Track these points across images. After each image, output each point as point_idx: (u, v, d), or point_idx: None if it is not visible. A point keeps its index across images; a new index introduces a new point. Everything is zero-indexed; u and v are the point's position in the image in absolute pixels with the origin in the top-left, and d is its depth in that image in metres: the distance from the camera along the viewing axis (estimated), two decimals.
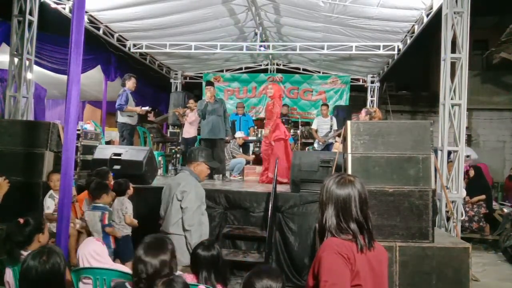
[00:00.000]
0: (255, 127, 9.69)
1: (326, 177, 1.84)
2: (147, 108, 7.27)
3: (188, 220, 3.38)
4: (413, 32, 7.66)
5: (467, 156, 9.75)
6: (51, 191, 4.43)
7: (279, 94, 7.02)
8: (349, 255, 1.60)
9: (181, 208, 3.43)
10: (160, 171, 7.61)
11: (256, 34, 9.16)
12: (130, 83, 7.02)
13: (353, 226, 1.67)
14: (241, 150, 8.57)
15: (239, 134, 8.62)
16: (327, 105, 9.46)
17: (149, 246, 2.10)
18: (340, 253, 1.59)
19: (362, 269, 1.62)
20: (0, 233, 4.06)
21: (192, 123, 8.24)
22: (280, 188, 5.55)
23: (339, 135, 7.54)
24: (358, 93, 13.06)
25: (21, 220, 2.72)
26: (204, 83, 11.63)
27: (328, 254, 1.60)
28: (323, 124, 9.01)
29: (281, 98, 7.42)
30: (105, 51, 9.30)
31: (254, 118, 9.78)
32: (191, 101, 8.73)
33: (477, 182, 7.51)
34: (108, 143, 9.27)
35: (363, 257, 1.64)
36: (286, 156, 6.72)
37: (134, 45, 9.38)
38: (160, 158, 8.04)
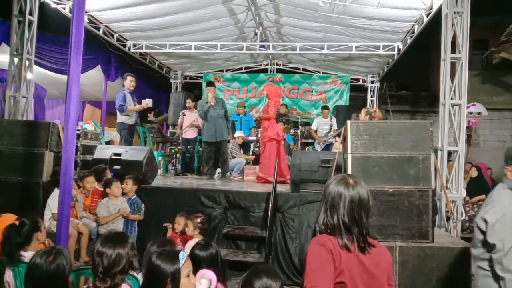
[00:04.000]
0: (256, 127, 9.67)
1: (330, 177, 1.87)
2: (146, 100, 7.11)
3: (500, 262, 2.21)
4: (413, 32, 7.66)
5: (478, 113, 9.93)
6: (57, 190, 4.38)
7: (275, 95, 6.93)
8: (333, 250, 1.62)
9: (487, 242, 2.30)
10: (160, 171, 7.61)
11: (256, 34, 9.17)
12: (127, 82, 6.97)
13: (336, 224, 1.69)
14: (241, 150, 8.57)
15: (238, 133, 8.62)
16: (328, 108, 9.50)
17: (106, 239, 2.12)
18: (324, 245, 1.64)
19: (349, 268, 1.62)
20: None
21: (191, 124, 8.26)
22: (280, 188, 5.55)
23: (339, 135, 7.54)
24: (358, 93, 13.05)
25: (17, 223, 2.75)
26: (204, 83, 11.73)
27: (312, 245, 1.67)
28: (323, 125, 9.03)
29: (279, 97, 7.32)
30: (105, 51, 9.30)
31: (254, 118, 9.78)
32: (189, 100, 8.72)
33: (478, 182, 7.52)
34: (108, 143, 9.27)
35: (352, 257, 1.64)
36: (278, 156, 6.70)
37: (134, 45, 9.38)
38: (160, 158, 8.04)
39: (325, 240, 1.66)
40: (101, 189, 5.07)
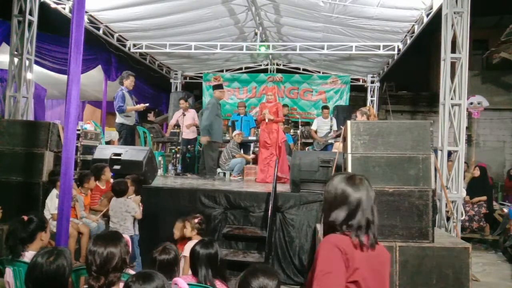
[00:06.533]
0: (256, 127, 9.66)
1: (333, 176, 1.82)
2: (147, 104, 7.19)
3: None
4: (413, 32, 7.66)
5: (479, 103, 10.00)
6: (55, 191, 4.41)
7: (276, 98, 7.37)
8: (347, 250, 1.61)
9: None
10: (160, 171, 7.61)
11: (256, 34, 9.17)
12: (128, 82, 6.87)
13: (363, 224, 1.69)
14: (241, 150, 8.56)
15: (235, 132, 8.66)
16: (328, 108, 9.51)
17: (99, 237, 2.13)
18: (337, 246, 1.61)
19: (361, 266, 1.62)
20: (0, 233, 4.09)
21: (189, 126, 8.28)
22: (280, 188, 5.56)
23: (338, 135, 7.55)
24: (358, 93, 13.06)
25: (25, 218, 2.78)
26: (204, 84, 11.74)
27: (325, 246, 1.63)
28: (323, 125, 9.05)
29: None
30: (106, 51, 9.30)
31: (254, 118, 9.84)
32: (182, 101, 8.72)
33: (481, 182, 7.51)
34: (108, 143, 9.27)
35: (363, 255, 1.65)
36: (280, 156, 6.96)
37: (134, 45, 9.38)
38: (160, 158, 8.04)
39: (338, 239, 1.64)
40: (103, 187, 5.12)
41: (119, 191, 4.50)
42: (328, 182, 1.81)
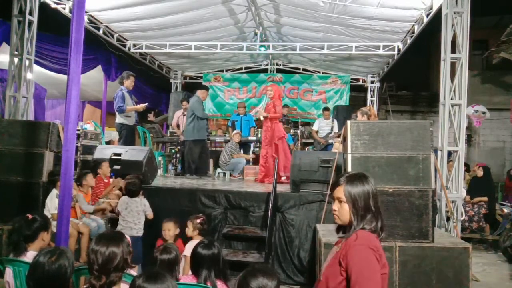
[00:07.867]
0: (256, 127, 9.67)
1: (362, 178, 1.83)
2: (146, 104, 7.21)
3: None
4: (413, 32, 7.66)
5: (483, 113, 10.05)
6: (55, 191, 4.40)
7: (278, 94, 7.08)
8: (379, 249, 1.70)
9: None
10: (160, 171, 7.61)
11: (256, 34, 9.17)
12: (128, 82, 6.87)
13: (382, 222, 1.78)
14: (241, 150, 8.55)
15: (234, 132, 8.67)
16: (329, 109, 9.52)
17: (102, 237, 2.13)
18: (375, 249, 1.68)
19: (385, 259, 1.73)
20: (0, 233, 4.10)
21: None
22: (280, 188, 5.56)
23: (339, 136, 7.55)
24: (358, 93, 13.06)
25: (29, 216, 2.83)
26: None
27: (364, 250, 1.67)
28: (324, 126, 9.08)
29: (281, 98, 7.47)
30: (106, 51, 9.30)
31: (254, 118, 9.85)
32: (184, 102, 8.72)
33: (483, 183, 7.50)
34: (108, 143, 9.27)
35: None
36: (288, 153, 6.83)
37: (134, 45, 9.38)
38: (160, 158, 8.04)
39: (372, 241, 1.71)
40: (105, 179, 5.16)
41: (132, 191, 4.48)
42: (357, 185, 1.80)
